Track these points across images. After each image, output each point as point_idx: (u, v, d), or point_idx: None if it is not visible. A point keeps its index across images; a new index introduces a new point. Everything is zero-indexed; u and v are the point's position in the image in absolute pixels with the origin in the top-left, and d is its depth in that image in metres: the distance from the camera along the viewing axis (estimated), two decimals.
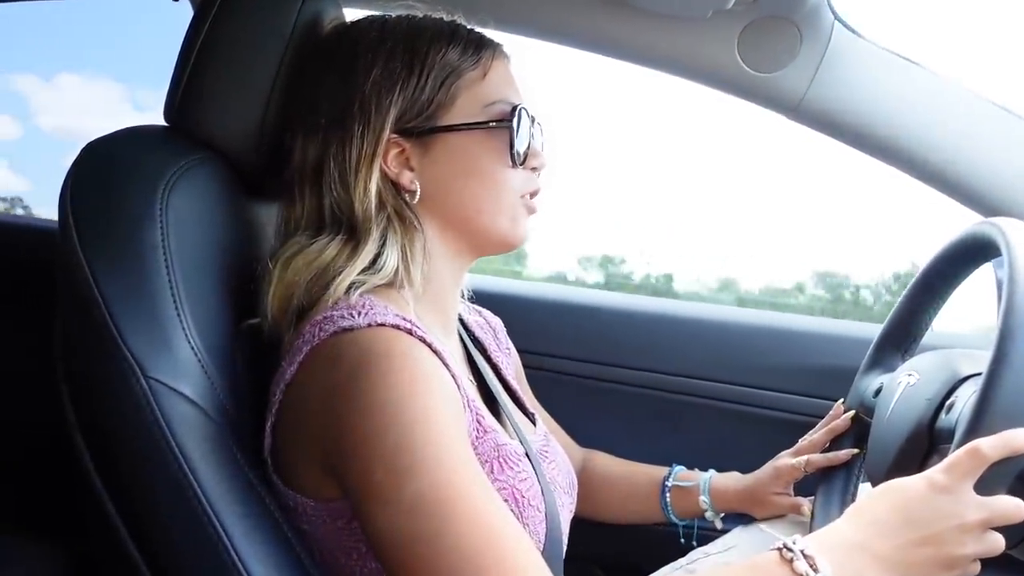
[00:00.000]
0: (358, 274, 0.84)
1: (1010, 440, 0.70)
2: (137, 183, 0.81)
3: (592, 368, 1.49)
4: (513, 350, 1.19)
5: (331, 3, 0.98)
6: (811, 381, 1.41)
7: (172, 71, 0.91)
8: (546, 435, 1.05)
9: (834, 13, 1.22)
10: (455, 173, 0.89)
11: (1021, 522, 0.71)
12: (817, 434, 1.07)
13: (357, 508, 0.74)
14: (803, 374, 1.42)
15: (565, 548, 0.95)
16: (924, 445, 0.84)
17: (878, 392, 0.99)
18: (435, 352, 0.79)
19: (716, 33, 1.24)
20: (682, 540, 1.18)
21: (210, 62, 0.89)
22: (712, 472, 1.17)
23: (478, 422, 0.84)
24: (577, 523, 1.04)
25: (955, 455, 0.71)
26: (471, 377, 0.97)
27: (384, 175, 0.87)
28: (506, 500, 0.80)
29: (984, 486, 0.70)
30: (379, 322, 0.77)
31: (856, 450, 1.02)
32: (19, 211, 2.28)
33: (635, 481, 1.21)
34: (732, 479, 1.14)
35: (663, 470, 1.19)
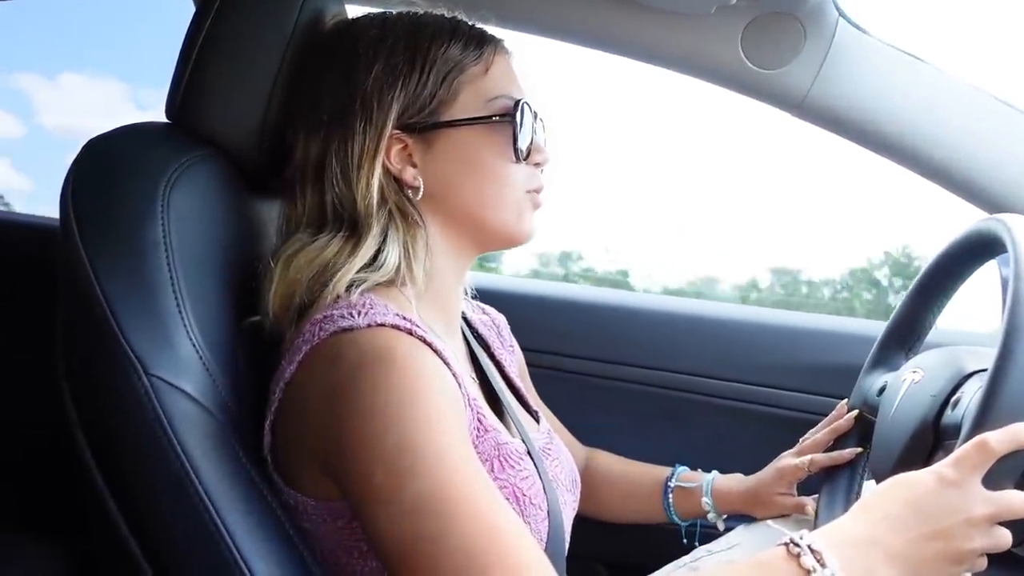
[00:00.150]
0: (359, 271, 0.84)
1: (1017, 434, 0.70)
2: (138, 180, 0.81)
3: (596, 366, 1.49)
4: (517, 347, 1.18)
5: (333, 0, 0.98)
6: (816, 378, 1.41)
7: (174, 68, 0.91)
8: (549, 432, 1.05)
9: (838, 9, 1.22)
10: (458, 168, 0.89)
11: None
12: (820, 433, 1.07)
13: (358, 509, 0.74)
14: (808, 372, 1.42)
15: (568, 546, 0.95)
16: (929, 441, 0.84)
17: (882, 391, 0.98)
18: (436, 351, 0.79)
19: (720, 29, 1.24)
20: (684, 540, 1.18)
21: (212, 59, 0.89)
22: (715, 473, 1.17)
23: (479, 421, 0.84)
24: (581, 521, 1.04)
25: (963, 449, 0.71)
26: (474, 375, 0.97)
27: (386, 171, 0.87)
28: (508, 499, 0.79)
29: (991, 480, 0.70)
30: (379, 322, 0.77)
31: (860, 449, 1.01)
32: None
33: (637, 481, 1.21)
34: (735, 480, 1.14)
35: (666, 470, 1.19)
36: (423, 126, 0.88)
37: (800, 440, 1.11)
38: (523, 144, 0.90)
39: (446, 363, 0.79)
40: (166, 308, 0.78)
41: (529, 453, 0.90)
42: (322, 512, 0.80)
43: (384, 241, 0.86)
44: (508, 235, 0.93)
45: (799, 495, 1.09)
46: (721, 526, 1.15)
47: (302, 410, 0.78)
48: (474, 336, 1.06)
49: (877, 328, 1.07)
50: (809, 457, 1.06)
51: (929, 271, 0.98)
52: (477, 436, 0.83)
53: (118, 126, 0.89)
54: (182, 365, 0.78)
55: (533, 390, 1.17)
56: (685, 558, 1.11)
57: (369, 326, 0.76)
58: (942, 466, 0.72)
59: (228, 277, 0.88)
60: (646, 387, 1.47)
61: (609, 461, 1.25)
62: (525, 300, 1.53)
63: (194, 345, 0.79)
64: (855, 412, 1.04)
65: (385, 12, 0.93)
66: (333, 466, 0.76)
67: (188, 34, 0.90)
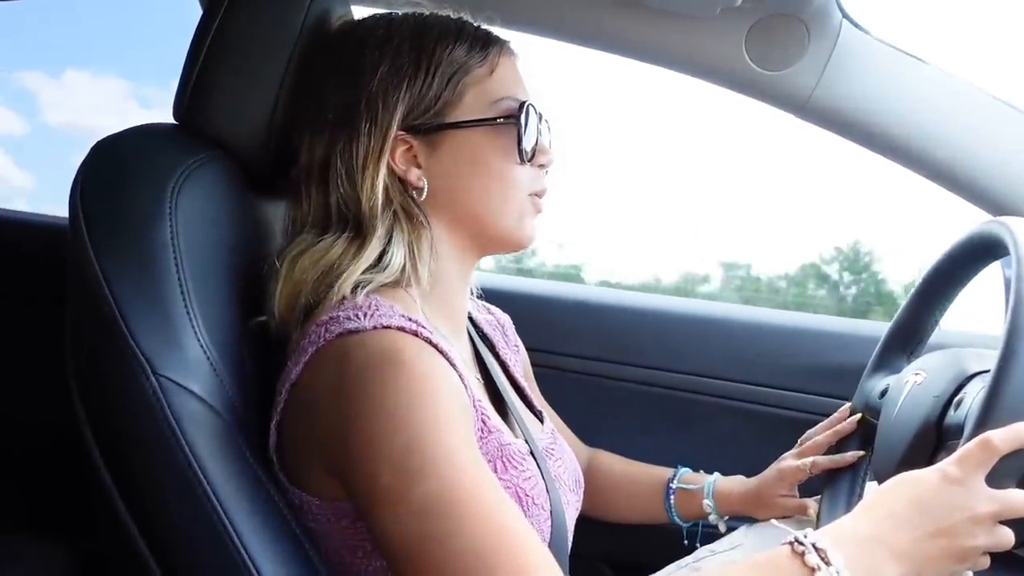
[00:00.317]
0: (363, 272, 0.84)
1: (1020, 432, 0.70)
2: (147, 182, 0.82)
3: (600, 366, 1.49)
4: (521, 347, 1.19)
5: (339, 1, 0.99)
6: (820, 379, 1.41)
7: (179, 68, 0.92)
8: (553, 433, 1.05)
9: (842, 11, 1.22)
10: (463, 170, 0.89)
11: None
12: (821, 435, 1.07)
13: (364, 509, 0.74)
14: (811, 373, 1.42)
15: (571, 546, 0.95)
16: (932, 442, 0.84)
17: (884, 393, 0.99)
18: (442, 353, 0.79)
19: (724, 31, 1.24)
20: (685, 542, 1.18)
21: (219, 60, 0.90)
22: (716, 475, 1.17)
23: (483, 422, 0.84)
24: (584, 521, 1.04)
25: (966, 447, 0.71)
26: (478, 376, 0.97)
27: (391, 172, 0.87)
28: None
29: (995, 479, 0.70)
30: (385, 324, 0.77)
31: (862, 453, 1.01)
32: None
33: (639, 482, 1.21)
34: (736, 482, 1.14)
35: (668, 471, 1.19)
36: (428, 127, 0.88)
37: (799, 440, 1.11)
38: (527, 146, 0.90)
39: (452, 364, 0.80)
40: (174, 308, 0.79)
41: (532, 453, 0.90)
42: (327, 512, 0.80)
43: (389, 242, 0.86)
44: (509, 238, 0.93)
45: (801, 497, 1.09)
46: (723, 527, 1.15)
47: (308, 411, 0.79)
48: (479, 336, 1.06)
49: (881, 329, 1.07)
50: (811, 459, 1.05)
51: (931, 274, 0.98)
52: (481, 437, 0.83)
53: (126, 127, 0.89)
54: (190, 365, 0.78)
55: (537, 390, 1.17)
56: (688, 558, 1.11)
57: (375, 328, 0.77)
58: (946, 464, 0.72)
59: (234, 278, 0.88)
60: (650, 387, 1.47)
61: (611, 461, 1.26)
62: (530, 300, 1.53)
63: (201, 345, 0.80)
64: (857, 416, 1.04)
65: (391, 13, 0.93)
66: (339, 466, 0.76)
67: (195, 36, 0.91)
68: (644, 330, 1.50)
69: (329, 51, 0.92)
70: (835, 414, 1.08)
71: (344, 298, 0.82)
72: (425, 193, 0.88)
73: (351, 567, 0.82)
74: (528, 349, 1.20)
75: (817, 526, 0.99)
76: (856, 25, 1.24)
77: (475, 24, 0.93)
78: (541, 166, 0.94)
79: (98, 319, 0.77)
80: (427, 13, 0.93)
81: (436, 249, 0.89)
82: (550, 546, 0.86)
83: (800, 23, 1.22)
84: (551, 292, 1.60)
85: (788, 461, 1.09)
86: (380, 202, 0.86)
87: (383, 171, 0.86)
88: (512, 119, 0.89)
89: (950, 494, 0.70)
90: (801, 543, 0.69)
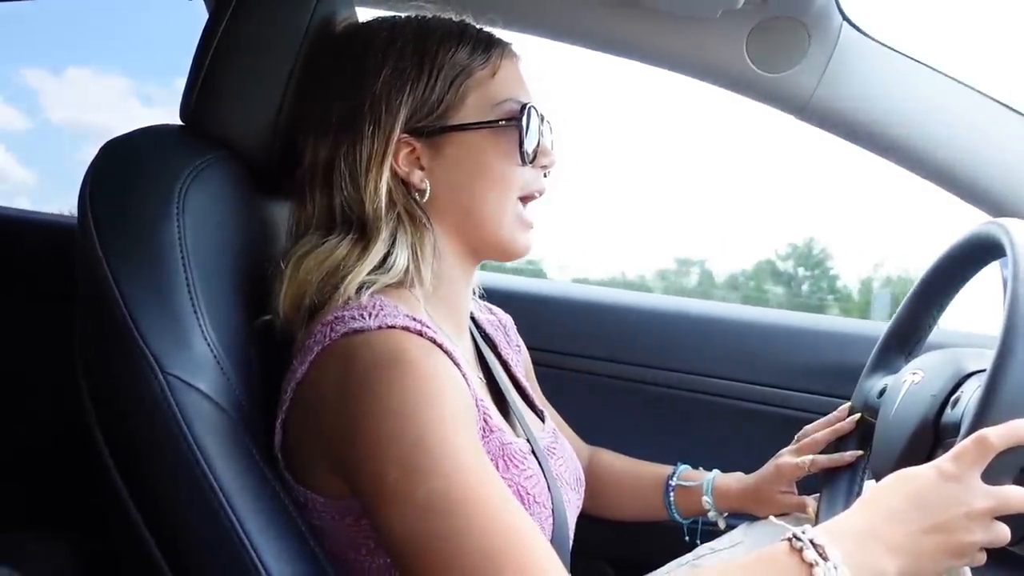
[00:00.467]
0: (368, 273, 0.85)
1: (1016, 429, 0.71)
2: (155, 182, 0.82)
3: (600, 365, 1.50)
4: (523, 347, 1.19)
5: (344, 3, 0.99)
6: (820, 379, 1.41)
7: (180, 66, 0.93)
8: (554, 432, 1.05)
9: (842, 13, 1.23)
10: (465, 172, 0.90)
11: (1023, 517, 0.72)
12: (820, 433, 1.07)
13: (370, 507, 0.75)
14: (812, 372, 1.42)
15: (572, 543, 0.96)
16: (930, 440, 0.85)
17: (882, 393, 0.99)
18: (446, 352, 0.80)
19: (725, 33, 1.24)
20: (686, 538, 1.18)
21: (225, 63, 0.90)
22: (716, 472, 1.17)
23: (485, 421, 0.85)
24: (586, 519, 1.05)
25: (962, 444, 0.72)
26: (480, 375, 0.98)
27: (394, 174, 0.88)
28: None
29: (991, 476, 0.71)
30: (390, 324, 0.78)
31: (860, 452, 1.02)
32: None
33: (639, 479, 1.21)
34: (735, 479, 1.14)
35: (667, 469, 1.20)
36: (431, 130, 0.88)
37: (796, 437, 1.11)
38: (529, 147, 0.90)
39: (456, 363, 0.80)
40: (182, 308, 0.79)
41: (534, 452, 0.91)
42: (331, 509, 0.81)
43: (393, 244, 0.87)
44: (505, 245, 0.93)
45: (799, 494, 1.09)
46: (722, 524, 1.15)
47: (314, 409, 0.79)
48: (481, 336, 1.07)
49: (880, 328, 1.08)
50: (810, 457, 1.05)
51: (929, 275, 0.98)
52: (482, 436, 0.83)
53: (128, 125, 0.89)
54: (197, 364, 0.79)
55: (539, 389, 1.18)
56: (688, 555, 1.12)
57: (380, 328, 0.77)
58: (942, 461, 0.73)
59: (240, 278, 0.89)
60: (650, 386, 1.48)
61: (611, 459, 1.26)
62: (531, 300, 1.54)
63: (208, 344, 0.80)
64: (856, 415, 1.04)
65: (394, 16, 0.94)
66: (345, 464, 0.77)
67: (202, 38, 0.91)
68: (644, 330, 1.51)
69: (333, 54, 0.92)
70: (834, 413, 1.08)
71: (349, 298, 0.83)
72: (428, 195, 0.89)
73: (355, 564, 0.83)
74: (529, 348, 1.21)
75: (816, 524, 1.00)
76: (856, 28, 1.24)
77: (477, 27, 0.94)
78: (543, 167, 0.95)
79: (107, 319, 0.78)
80: (430, 16, 0.94)
81: (439, 250, 0.90)
82: (551, 544, 0.87)
83: (801, 25, 1.23)
84: (553, 292, 1.60)
85: (786, 458, 1.09)
86: (384, 204, 0.86)
87: (386, 173, 0.87)
88: (514, 121, 0.90)
89: (947, 490, 0.71)
90: (799, 539, 0.69)
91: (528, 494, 0.85)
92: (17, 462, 1.39)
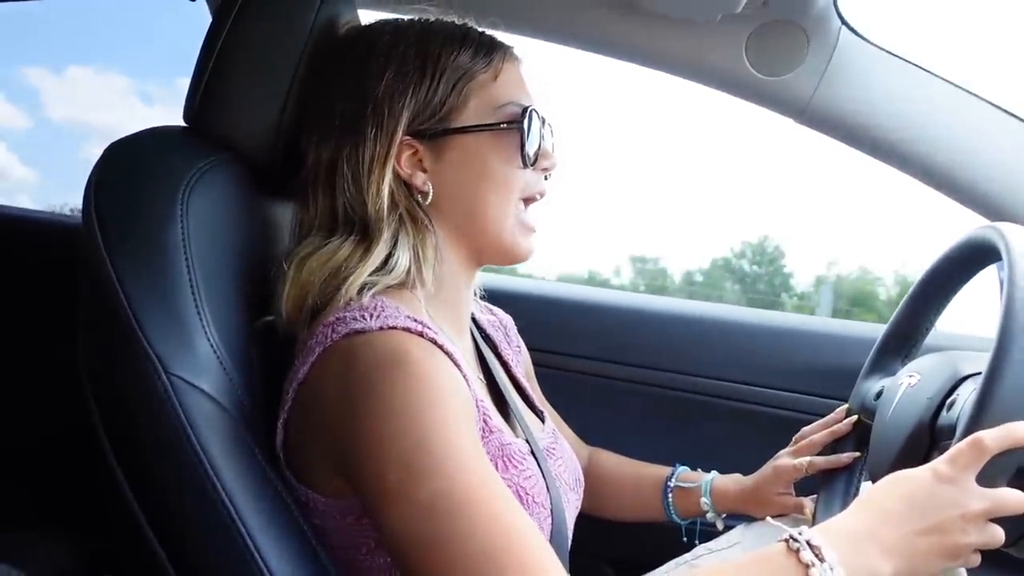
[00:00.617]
0: (370, 275, 0.85)
1: (1011, 432, 0.71)
2: (159, 184, 0.83)
3: (600, 366, 1.50)
4: (523, 347, 1.20)
5: (347, 6, 0.99)
6: (818, 381, 1.42)
7: (180, 66, 0.93)
8: (554, 432, 1.06)
9: (841, 18, 1.23)
10: (467, 174, 0.90)
11: (1018, 519, 0.72)
12: (817, 435, 1.07)
13: (372, 507, 0.75)
14: (810, 374, 1.43)
15: (571, 544, 0.96)
16: (926, 442, 0.85)
17: (879, 395, 0.99)
18: (447, 353, 0.80)
19: (724, 37, 1.25)
20: (684, 539, 1.19)
21: (229, 65, 0.91)
22: (714, 473, 1.17)
23: (484, 422, 0.85)
24: (585, 520, 1.05)
25: (958, 447, 0.73)
26: (481, 375, 0.98)
27: (397, 177, 0.88)
28: None
29: (986, 478, 0.72)
30: (391, 325, 0.78)
31: (857, 454, 1.02)
32: None
33: (638, 480, 1.22)
34: (733, 480, 1.14)
35: (666, 470, 1.20)
36: (433, 132, 0.89)
37: (793, 439, 1.11)
38: (530, 150, 0.91)
39: (456, 364, 0.81)
40: (185, 308, 0.80)
41: (533, 453, 0.91)
42: (332, 508, 0.81)
43: (395, 245, 0.87)
44: (508, 248, 0.93)
45: (797, 496, 1.10)
46: (720, 525, 1.16)
47: (316, 409, 0.80)
48: (482, 336, 1.07)
49: (877, 331, 1.08)
50: (808, 459, 1.06)
51: (925, 279, 0.99)
52: (482, 436, 0.84)
53: (128, 123, 0.90)
54: (201, 364, 0.79)
55: (539, 390, 1.18)
56: (686, 556, 1.13)
57: (381, 328, 0.78)
58: (938, 463, 0.73)
59: (243, 278, 0.89)
60: (650, 387, 1.48)
61: (610, 460, 1.26)
62: (532, 301, 1.54)
63: (211, 345, 0.81)
64: (854, 417, 1.05)
65: (397, 18, 0.94)
66: (347, 464, 0.77)
67: (206, 40, 0.92)
68: (644, 330, 1.51)
69: (336, 56, 0.93)
70: (831, 415, 1.09)
71: (351, 299, 0.83)
72: (430, 197, 0.89)
73: (356, 563, 0.83)
74: (530, 349, 1.21)
75: (813, 525, 1.00)
76: (855, 32, 1.25)
77: (479, 30, 0.94)
78: (544, 170, 0.96)
79: (111, 318, 0.78)
80: (432, 19, 0.94)
81: (440, 252, 0.90)
82: (550, 544, 0.88)
83: (800, 29, 1.23)
84: (553, 293, 1.61)
85: (784, 459, 1.09)
86: (386, 206, 0.87)
87: (389, 176, 0.87)
88: (516, 124, 0.90)
89: (942, 491, 0.72)
90: (796, 540, 0.70)
91: (527, 494, 0.85)
92: (20, 462, 1.39)
